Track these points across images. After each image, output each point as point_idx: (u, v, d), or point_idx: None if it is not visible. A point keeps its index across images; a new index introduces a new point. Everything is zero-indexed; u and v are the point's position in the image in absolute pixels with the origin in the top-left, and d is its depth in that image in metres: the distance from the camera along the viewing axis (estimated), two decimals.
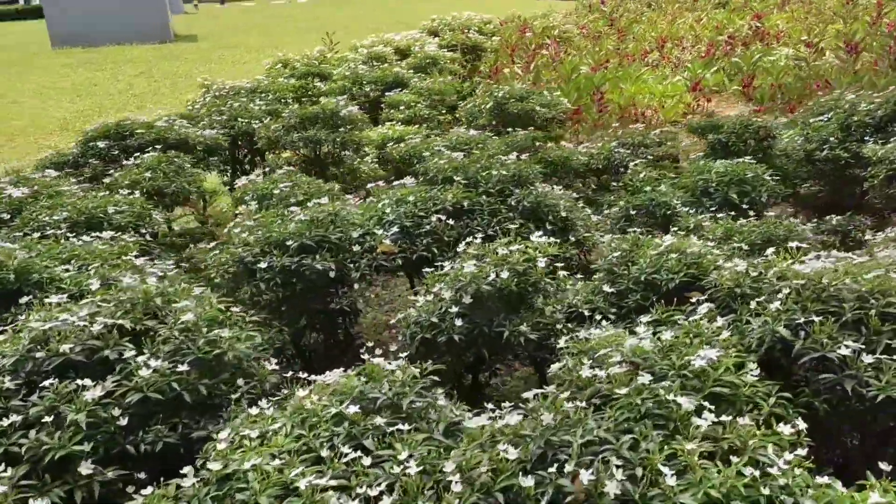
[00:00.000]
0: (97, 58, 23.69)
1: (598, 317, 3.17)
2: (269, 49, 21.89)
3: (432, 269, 3.30)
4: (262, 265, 3.20)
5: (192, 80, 17.61)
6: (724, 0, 17.37)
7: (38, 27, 28.93)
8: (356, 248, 3.46)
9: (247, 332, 2.75)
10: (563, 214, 4.04)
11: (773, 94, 8.62)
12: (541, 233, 3.82)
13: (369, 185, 4.88)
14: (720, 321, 2.77)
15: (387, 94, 7.83)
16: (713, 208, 4.56)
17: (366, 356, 2.43)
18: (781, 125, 5.85)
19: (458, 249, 3.42)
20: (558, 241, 3.82)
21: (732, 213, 4.51)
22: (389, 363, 2.52)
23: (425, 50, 9.52)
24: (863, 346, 2.46)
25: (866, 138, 5.31)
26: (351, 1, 54.23)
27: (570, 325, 3.21)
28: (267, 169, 6.31)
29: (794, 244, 3.11)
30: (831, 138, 5.49)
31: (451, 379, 3.16)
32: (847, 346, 2.43)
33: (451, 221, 3.69)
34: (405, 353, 3.14)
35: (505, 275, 3.03)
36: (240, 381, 2.61)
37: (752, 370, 2.53)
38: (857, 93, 6.25)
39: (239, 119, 6.52)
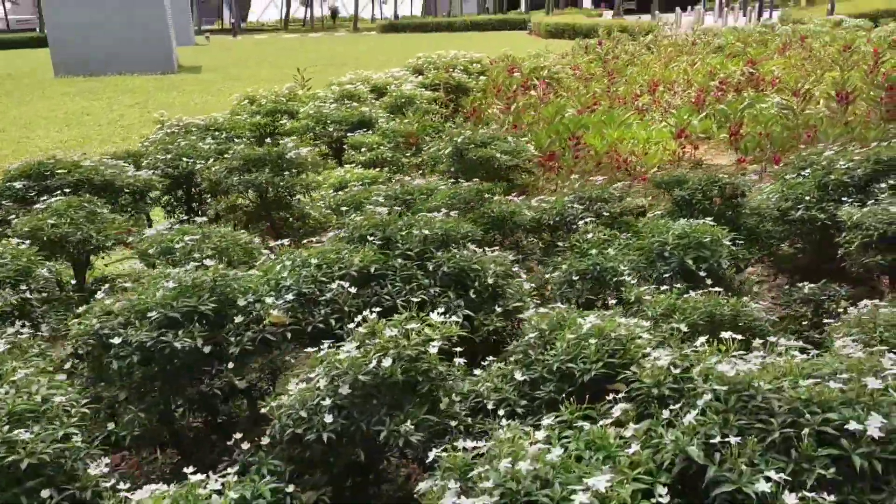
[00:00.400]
0: (97, 87, 23.70)
1: (501, 412, 2.72)
2: (271, 82, 21.82)
3: (329, 344, 2.87)
4: (116, 340, 2.78)
5: (187, 111, 17.48)
6: (724, 44, 17.12)
7: (48, 55, 29.15)
8: (239, 318, 3.04)
9: (65, 429, 2.31)
10: (490, 281, 3.61)
11: (760, 144, 8.22)
12: (460, 302, 3.40)
13: (314, 238, 4.49)
14: (631, 429, 2.32)
15: (349, 134, 7.49)
16: (667, 275, 4.12)
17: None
18: (753, 181, 5.41)
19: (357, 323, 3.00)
20: (477, 313, 3.40)
21: (687, 282, 4.07)
22: (216, 479, 2.09)
23: (401, 89, 9.21)
24: (789, 478, 2.00)
25: (844, 199, 4.87)
26: (366, 36, 54.82)
27: (472, 419, 2.77)
28: (205, 216, 5.94)
29: (728, 334, 2.66)
30: (807, 197, 5.06)
31: (331, 481, 2.71)
32: (767, 479, 1.97)
33: (353, 290, 3.27)
34: (275, 449, 2.71)
35: (388, 362, 2.59)
36: (46, 493, 2.18)
37: (661, 496, 2.08)
38: (840, 147, 5.84)
39: (184, 159, 6.17)
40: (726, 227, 4.75)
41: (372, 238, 3.61)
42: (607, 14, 48.54)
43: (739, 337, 2.64)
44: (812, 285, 4.60)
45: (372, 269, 3.34)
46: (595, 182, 6.69)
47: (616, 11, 47.88)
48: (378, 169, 6.89)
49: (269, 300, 3.11)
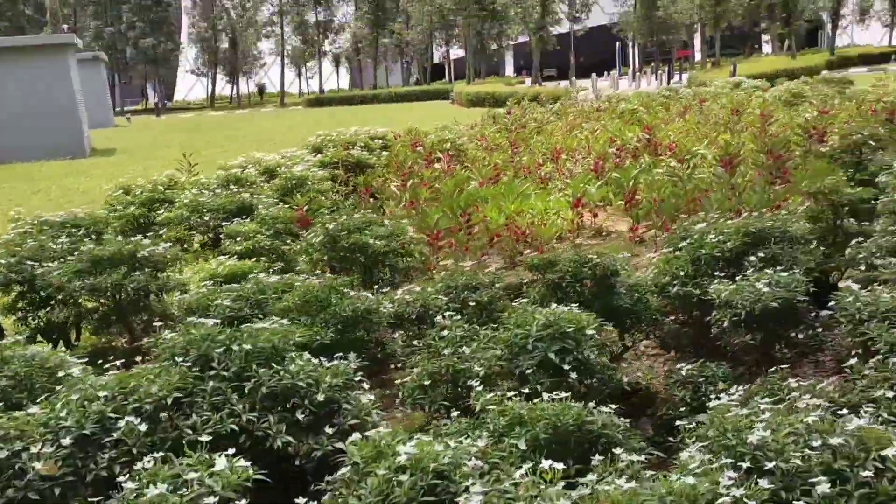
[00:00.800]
0: (2, 175, 22.70)
1: None
2: (179, 163, 21.20)
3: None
4: None
5: (90, 197, 16.76)
6: (630, 109, 17.58)
7: None
8: None
9: None
10: (322, 398, 3.22)
11: (653, 210, 8.18)
12: (282, 427, 2.99)
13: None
14: None
15: (225, 224, 7.09)
16: (530, 370, 3.81)
17: None
18: (626, 259, 5.23)
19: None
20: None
21: (553, 376, 3.77)
22: None
23: (292, 170, 8.91)
24: None
25: (717, 273, 4.72)
26: (291, 111, 54.95)
27: None
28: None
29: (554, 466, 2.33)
30: (682, 272, 4.89)
31: None
32: None
33: (144, 427, 2.82)
34: None
35: None
36: None
37: None
38: (720, 216, 5.76)
39: (28, 262, 5.64)
40: (600, 310, 4.53)
41: (183, 359, 3.19)
42: (528, 81, 50.08)
43: (561, 467, 2.31)
44: (690, 366, 4.37)
45: (169, 401, 2.91)
46: (489, 259, 6.44)
47: (534, 79, 49.48)
48: (255, 259, 6.48)
49: (35, 449, 2.63)
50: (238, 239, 6.67)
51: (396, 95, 54.83)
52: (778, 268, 4.51)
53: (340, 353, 3.60)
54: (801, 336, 4.40)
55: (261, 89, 78.19)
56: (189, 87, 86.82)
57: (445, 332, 3.91)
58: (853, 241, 5.64)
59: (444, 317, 4.03)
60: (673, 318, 5.36)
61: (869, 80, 18.91)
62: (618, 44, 67.98)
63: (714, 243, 4.81)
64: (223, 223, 7.10)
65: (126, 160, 25.40)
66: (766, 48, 58.69)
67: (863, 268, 5.26)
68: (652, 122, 13.75)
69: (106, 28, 70.86)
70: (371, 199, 9.96)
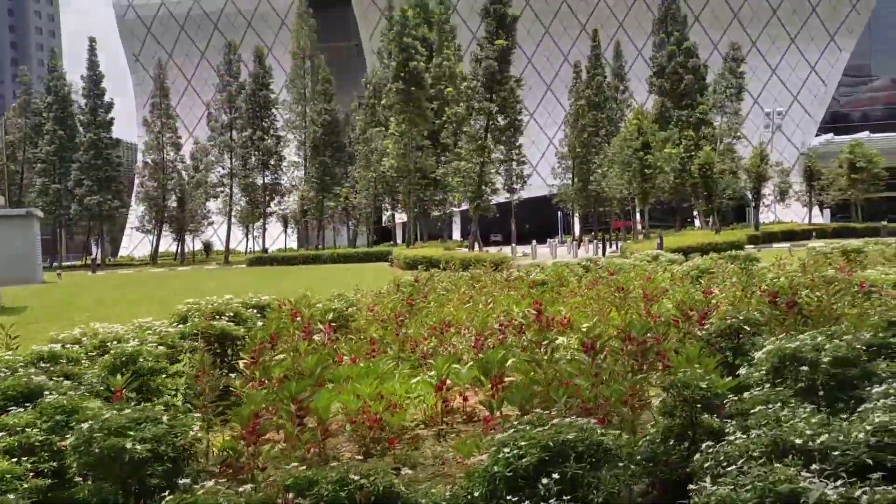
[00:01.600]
0: None
1: None
2: (75, 326, 19.72)
3: None
4: None
5: None
6: (540, 280, 17.37)
7: None
8: None
9: None
10: None
11: (522, 398, 7.44)
12: None
13: None
14: None
15: (10, 409, 6.08)
16: None
17: None
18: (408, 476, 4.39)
19: None
20: None
21: None
22: None
23: (123, 345, 8.01)
24: None
25: (510, 498, 3.90)
26: (231, 270, 54.41)
27: None
28: None
29: None
30: (476, 494, 4.06)
31: None
32: None
33: None
34: None
35: None
36: None
37: None
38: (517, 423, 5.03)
39: None
40: None
41: None
42: (477, 247, 50.66)
43: None
44: None
45: None
46: (343, 448, 5.53)
47: (471, 245, 50.31)
48: (22, 459, 5.42)
49: None
50: (0, 434, 5.64)
51: (338, 256, 54.99)
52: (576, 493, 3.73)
53: None
54: None
55: (207, 246, 78.05)
56: (136, 243, 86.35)
57: None
58: (704, 445, 5.01)
59: None
60: None
61: (784, 256, 19.27)
62: (559, 213, 70.88)
63: (507, 459, 4.03)
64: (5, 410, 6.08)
65: (28, 320, 23.94)
66: (698, 222, 61.63)
67: (707, 481, 4.53)
68: (552, 297, 13.40)
69: (52, 185, 71.13)
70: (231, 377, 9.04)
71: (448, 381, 8.71)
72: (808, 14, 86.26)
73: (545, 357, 7.27)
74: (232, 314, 10.54)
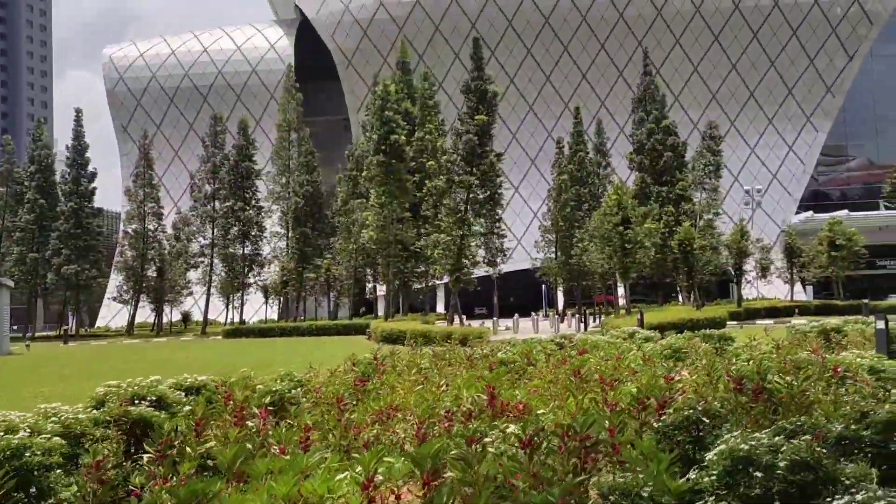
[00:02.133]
0: None
1: None
2: (35, 401, 18.47)
3: None
4: None
5: None
6: (507, 358, 16.57)
7: None
8: None
9: None
10: None
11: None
12: None
13: None
14: None
15: None
16: None
17: None
18: None
19: None
20: None
21: None
22: None
23: (7, 437, 7.15)
24: None
25: None
26: (207, 342, 53.03)
27: None
28: None
29: None
30: None
31: None
32: None
33: None
34: None
35: None
36: None
37: None
38: None
39: None
40: None
41: None
42: (458, 320, 49.68)
43: None
44: None
45: None
46: None
47: (450, 318, 49.44)
48: None
49: None
50: None
51: (317, 328, 53.92)
52: None
53: None
54: None
55: (185, 317, 76.56)
56: (114, 313, 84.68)
57: None
58: None
59: None
60: None
61: (758, 335, 18.60)
62: (543, 286, 70.39)
63: None
64: None
65: None
66: (681, 297, 61.20)
67: None
68: (512, 379, 12.62)
69: (30, 254, 70.17)
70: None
71: (380, 477, 7.85)
72: (785, 96, 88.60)
73: (477, 453, 6.49)
74: (155, 398, 9.68)
